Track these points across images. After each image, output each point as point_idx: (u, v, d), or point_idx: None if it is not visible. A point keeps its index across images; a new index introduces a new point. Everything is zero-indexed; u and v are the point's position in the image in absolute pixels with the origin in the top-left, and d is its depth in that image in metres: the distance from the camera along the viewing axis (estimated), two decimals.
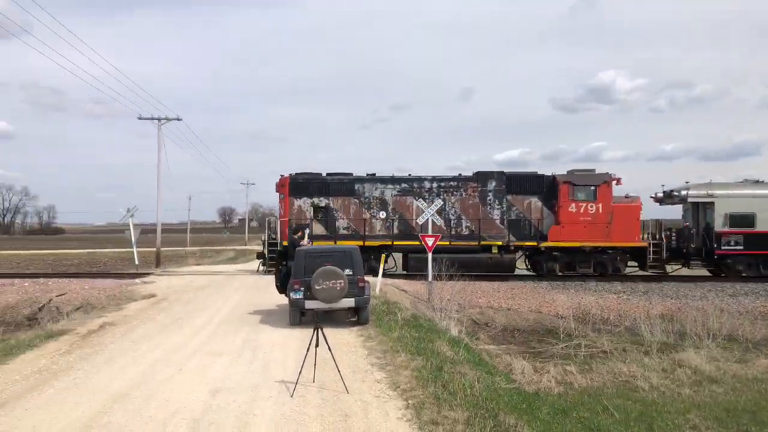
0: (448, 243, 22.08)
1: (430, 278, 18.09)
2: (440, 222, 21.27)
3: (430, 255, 17.95)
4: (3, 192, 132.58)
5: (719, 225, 22.98)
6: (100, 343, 11.12)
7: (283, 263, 13.84)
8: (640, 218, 23.43)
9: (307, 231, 19.34)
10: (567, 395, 10.17)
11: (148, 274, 22.96)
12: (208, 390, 7.90)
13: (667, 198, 24.59)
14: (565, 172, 23.76)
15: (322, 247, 13.24)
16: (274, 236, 23.81)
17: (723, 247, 22.96)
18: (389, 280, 19.90)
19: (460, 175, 24.44)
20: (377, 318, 13.13)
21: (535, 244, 23.18)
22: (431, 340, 11.32)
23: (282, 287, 13.32)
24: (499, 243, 23.12)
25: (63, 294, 18.53)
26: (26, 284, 20.11)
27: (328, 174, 24.46)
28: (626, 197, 23.69)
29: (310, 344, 8.02)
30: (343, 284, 11.67)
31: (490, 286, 21.11)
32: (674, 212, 26.44)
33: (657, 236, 23.57)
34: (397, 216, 23.98)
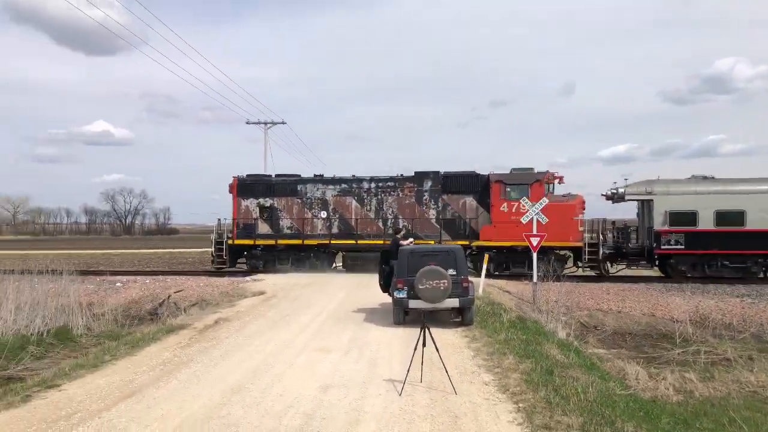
0: (382, 242, 22.49)
1: (534, 279, 17.66)
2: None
3: (535, 255, 17.53)
4: (124, 195, 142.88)
5: (659, 223, 22.05)
6: (215, 337, 11.69)
7: (384, 264, 13.97)
8: (578, 217, 22.53)
9: (403, 231, 19.38)
10: (687, 404, 9.59)
11: (257, 271, 23.88)
12: (319, 386, 8.10)
13: (614, 196, 23.31)
14: (509, 172, 23.32)
15: (426, 247, 13.24)
16: (220, 235, 24.83)
17: (663, 247, 22.01)
18: (491, 281, 19.60)
19: (398, 175, 24.55)
20: (481, 319, 12.97)
21: (466, 243, 22.46)
22: (539, 342, 11.04)
23: (385, 286, 13.45)
24: (431, 242, 22.13)
25: (180, 290, 19.65)
26: (147, 281, 21.52)
27: (276, 175, 25.53)
28: (564, 196, 23.01)
29: (417, 343, 8.04)
30: (446, 284, 11.62)
31: (599, 288, 20.32)
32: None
33: (602, 235, 22.91)
34: (337, 216, 24.66)
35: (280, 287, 19.25)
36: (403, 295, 12.07)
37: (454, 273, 11.95)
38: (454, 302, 11.99)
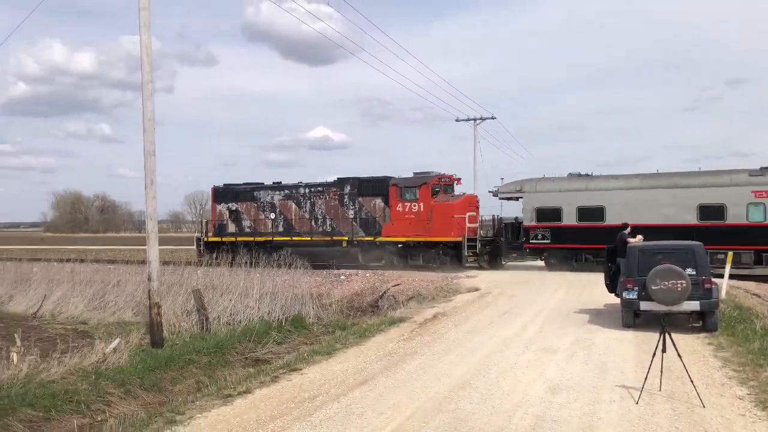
0: (309, 239, 27.23)
1: None
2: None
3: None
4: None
5: (528, 219, 23.62)
6: (435, 331, 11.89)
7: (610, 262, 13.09)
8: (460, 215, 24.06)
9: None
10: None
11: (470, 267, 23.99)
12: (547, 387, 7.80)
13: (495, 195, 25.42)
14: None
15: (660, 244, 12.09)
16: (201, 234, 30.71)
17: (531, 241, 23.49)
18: (734, 282, 17.43)
19: (325, 181, 28.43)
20: (727, 325, 11.55)
21: (372, 239, 25.65)
22: None
23: (611, 286, 12.61)
24: (346, 238, 26.18)
25: (398, 284, 20.44)
26: (368, 275, 22.72)
27: (243, 184, 30.38)
28: (452, 196, 25.36)
29: (656, 348, 7.35)
30: (684, 285, 10.52)
31: None
32: None
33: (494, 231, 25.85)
34: (282, 217, 28.58)
35: (494, 284, 19.11)
36: (633, 296, 11.19)
37: (694, 273, 10.79)
38: (693, 305, 10.82)
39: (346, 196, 27.25)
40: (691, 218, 20.85)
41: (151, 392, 9.60)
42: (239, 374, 9.68)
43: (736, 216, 20.31)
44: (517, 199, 24.58)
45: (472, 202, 25.65)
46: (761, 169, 20.54)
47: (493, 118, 39.02)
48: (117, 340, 11.17)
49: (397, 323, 12.97)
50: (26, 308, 16.72)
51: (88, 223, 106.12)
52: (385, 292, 19.64)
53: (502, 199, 25.31)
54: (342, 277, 22.67)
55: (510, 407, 6.97)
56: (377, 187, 26.51)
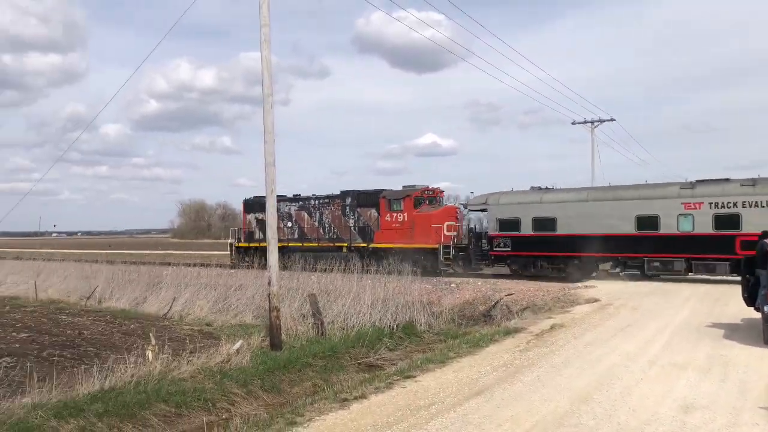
0: (317, 245, 30.85)
1: None
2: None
3: None
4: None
5: (492, 229, 25.73)
6: (553, 343, 11.46)
7: (749, 273, 12.03)
8: (438, 224, 26.43)
9: None
10: None
11: (592, 278, 23.03)
12: (678, 405, 7.26)
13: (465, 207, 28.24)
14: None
15: None
16: (235, 239, 35.06)
17: (495, 249, 25.52)
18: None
19: (331, 193, 31.66)
20: None
21: (366, 245, 28.74)
22: None
23: (751, 299, 11.58)
24: (345, 244, 29.66)
25: (511, 294, 19.97)
26: (479, 283, 22.41)
27: (285, 195, 33.45)
28: (433, 207, 27.91)
29: None
30: None
31: None
32: None
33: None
34: (297, 225, 32.44)
35: (615, 295, 18.18)
36: None
37: None
38: None
39: (347, 207, 30.55)
40: (630, 228, 22.46)
41: (271, 393, 9.93)
42: (354, 379, 9.81)
43: (668, 226, 21.67)
44: (483, 210, 26.91)
45: (452, 213, 28.04)
46: (690, 183, 21.97)
47: (611, 120, 37.49)
48: (240, 342, 11.68)
49: (512, 334, 12.63)
50: (158, 309, 17.92)
51: (210, 230, 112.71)
52: (498, 302, 19.25)
53: (472, 210, 27.99)
54: (452, 285, 22.50)
55: (637, 425, 6.54)
56: (371, 199, 29.60)
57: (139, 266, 28.92)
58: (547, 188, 25.80)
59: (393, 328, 15.22)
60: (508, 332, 12.78)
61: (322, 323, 14.14)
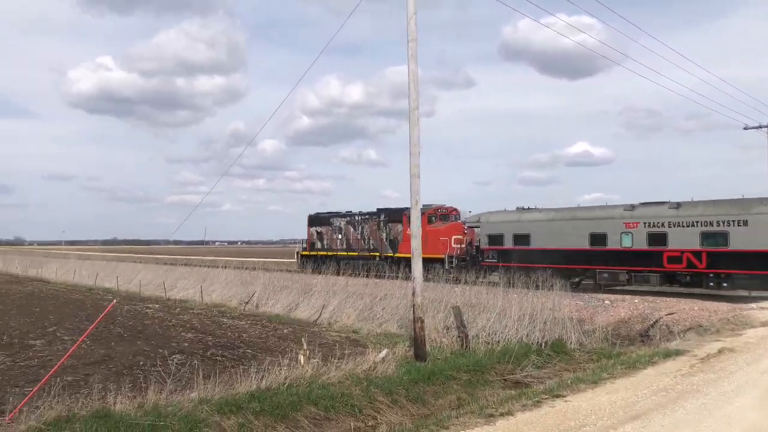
0: (357, 254, 36.20)
1: None
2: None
3: None
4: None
5: (483, 243, 30.11)
6: (722, 368, 10.43)
7: None
8: (445, 237, 31.21)
9: None
10: None
11: (764, 298, 20.76)
12: None
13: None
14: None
15: None
16: (300, 248, 41.92)
17: (485, 260, 29.61)
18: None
19: (371, 211, 36.63)
20: None
21: (392, 254, 33.70)
22: None
23: None
24: (377, 254, 34.73)
25: (672, 313, 18.51)
26: (636, 300, 21.00)
27: (326, 212, 40.28)
28: (443, 222, 32.37)
29: None
30: None
31: None
32: None
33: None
34: (345, 237, 37.47)
35: None
36: None
37: None
38: None
39: (381, 223, 35.70)
40: (585, 244, 25.65)
41: (416, 404, 9.94)
42: (500, 395, 9.57)
43: (614, 242, 24.85)
44: (477, 227, 31.18)
45: (459, 229, 32.10)
46: (631, 205, 25.02)
47: None
48: (385, 351, 11.86)
49: (673, 356, 11.69)
50: (308, 315, 18.72)
51: None
52: (656, 321, 17.92)
53: (469, 227, 32.13)
54: (606, 302, 21.30)
55: None
56: (397, 216, 34.40)
57: (293, 274, 30.58)
58: (526, 208, 29.80)
59: (541, 345, 14.67)
60: (669, 354, 11.86)
61: (466, 336, 13.98)
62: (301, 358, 10.72)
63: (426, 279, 26.35)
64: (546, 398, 8.51)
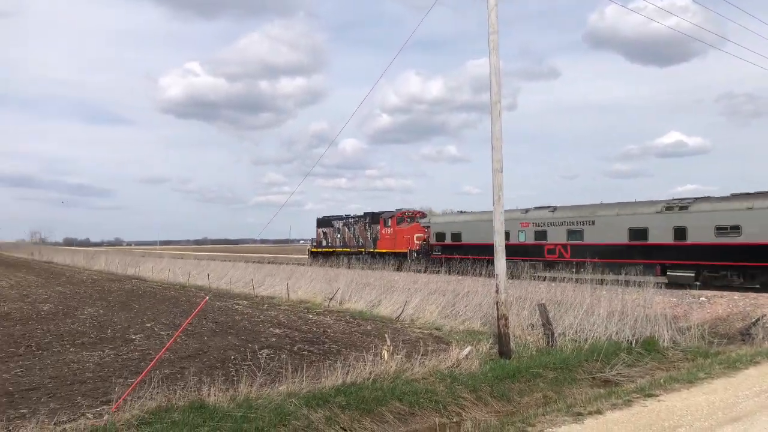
0: (349, 250, 44.84)
1: None
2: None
3: None
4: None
5: (432, 240, 37.83)
6: None
7: None
8: (408, 236, 39.85)
9: None
10: None
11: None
12: None
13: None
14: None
15: None
16: (311, 246, 52.83)
17: (432, 253, 37.46)
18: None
19: (360, 214, 45.86)
20: None
21: (374, 250, 42.32)
22: None
23: None
24: (363, 250, 43.57)
25: None
26: (735, 297, 19.87)
27: (329, 216, 49.43)
28: (408, 224, 40.84)
29: None
30: None
31: None
32: None
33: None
34: (342, 236, 46.67)
35: None
36: None
37: None
38: None
39: (366, 224, 43.79)
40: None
41: (500, 401, 9.85)
42: (588, 393, 9.32)
43: (514, 237, 31.12)
44: (428, 226, 38.82)
45: (420, 228, 39.91)
46: (525, 209, 32.32)
47: None
48: (469, 348, 11.79)
49: None
50: (391, 312, 18.86)
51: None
52: (759, 319, 16.89)
53: (425, 226, 39.43)
54: (702, 298, 20.26)
55: None
56: (378, 218, 42.74)
57: (377, 272, 31.04)
58: (461, 212, 38.19)
59: (631, 343, 14.16)
60: None
61: (552, 334, 13.68)
62: (385, 353, 10.83)
63: (398, 269, 36.15)
64: (637, 397, 8.22)
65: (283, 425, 7.66)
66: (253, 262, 47.94)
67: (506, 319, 12.29)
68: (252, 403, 8.19)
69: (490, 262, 30.66)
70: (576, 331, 14.45)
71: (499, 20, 12.23)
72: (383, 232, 41.92)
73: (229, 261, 47.69)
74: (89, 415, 7.88)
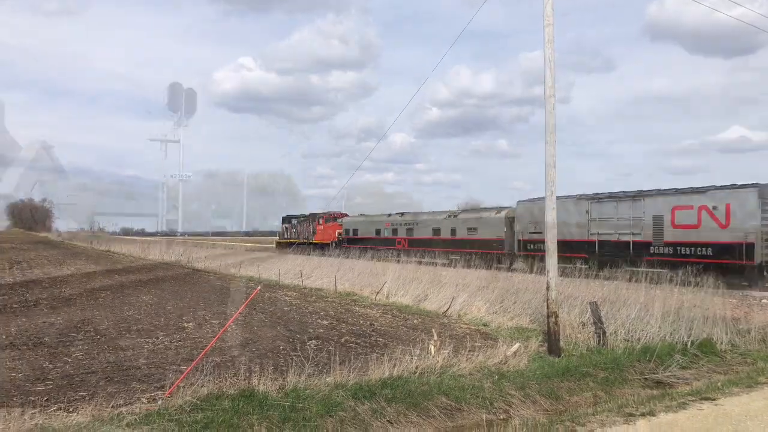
0: (300, 241, 58.28)
1: None
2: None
3: None
4: None
5: (344, 234, 53.74)
6: None
7: None
8: (331, 230, 55.40)
9: None
10: None
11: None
12: None
13: None
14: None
15: None
16: (278, 238, 68.77)
17: (344, 244, 52.16)
18: None
19: (308, 213, 61.53)
20: None
21: (312, 241, 56.54)
22: None
23: None
24: (307, 241, 57.27)
25: None
26: None
27: (289, 215, 65.34)
28: (336, 220, 56.91)
29: None
30: None
31: None
32: None
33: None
34: (296, 231, 61.54)
35: None
36: None
37: None
38: None
39: (309, 222, 58.59)
40: (373, 233, 50.15)
41: (549, 399, 9.69)
42: (640, 394, 9.10)
43: (382, 233, 48.40)
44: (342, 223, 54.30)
45: (339, 226, 54.85)
46: (388, 214, 49.61)
47: None
48: (517, 345, 11.65)
49: None
50: (438, 307, 18.79)
51: None
52: None
53: (339, 224, 54.71)
54: (764, 300, 19.50)
55: None
56: (315, 218, 57.52)
57: (426, 267, 31.04)
58: (361, 215, 54.07)
59: (686, 344, 13.71)
60: None
61: (603, 333, 13.38)
62: (432, 348, 10.80)
63: (324, 254, 48.33)
64: (692, 400, 7.98)
65: (330, 416, 7.73)
66: (301, 253, 48.69)
67: (557, 317, 12.09)
68: (300, 393, 8.30)
69: (375, 249, 44.90)
70: (628, 331, 14.10)
71: (556, 11, 11.98)
72: (318, 228, 57.51)
73: (278, 252, 48.64)
74: (144, 400, 8.14)
